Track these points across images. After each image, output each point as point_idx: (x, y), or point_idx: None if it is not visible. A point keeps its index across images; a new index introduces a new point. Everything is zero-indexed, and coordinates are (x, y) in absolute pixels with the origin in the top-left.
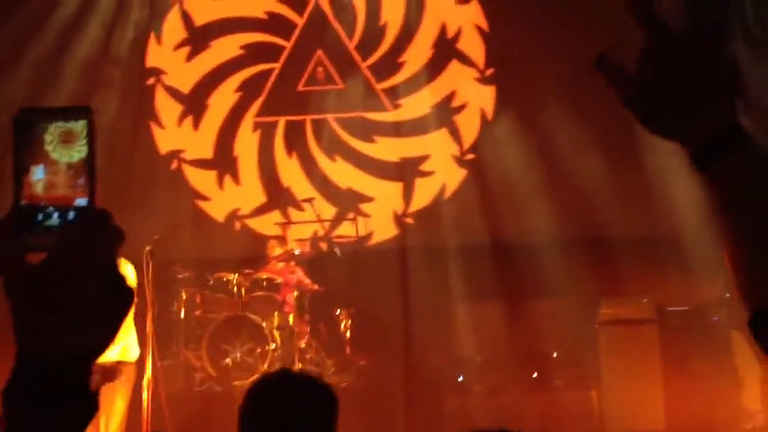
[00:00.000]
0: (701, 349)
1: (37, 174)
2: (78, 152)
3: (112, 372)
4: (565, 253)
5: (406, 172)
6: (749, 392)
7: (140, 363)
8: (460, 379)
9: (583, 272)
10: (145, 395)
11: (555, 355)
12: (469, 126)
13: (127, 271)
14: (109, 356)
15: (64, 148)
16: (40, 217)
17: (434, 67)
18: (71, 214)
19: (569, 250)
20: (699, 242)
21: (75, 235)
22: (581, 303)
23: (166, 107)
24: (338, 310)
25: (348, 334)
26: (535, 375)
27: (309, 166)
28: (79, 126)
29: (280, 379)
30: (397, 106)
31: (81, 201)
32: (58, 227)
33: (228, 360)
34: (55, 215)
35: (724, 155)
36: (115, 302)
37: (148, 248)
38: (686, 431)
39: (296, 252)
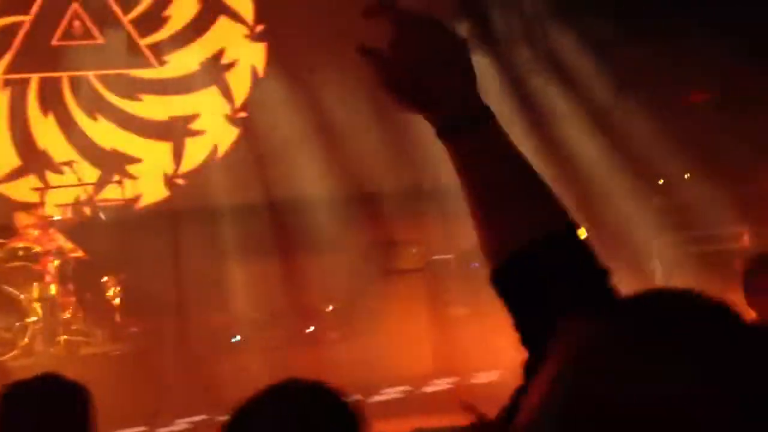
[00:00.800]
0: (463, 295)
1: None
2: None
3: None
4: (337, 208)
5: (176, 131)
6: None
7: None
8: (237, 338)
9: (356, 227)
10: None
11: (330, 308)
12: (240, 84)
13: None
14: None
15: None
16: None
17: (202, 23)
18: None
19: (341, 205)
20: (460, 193)
21: None
22: (354, 257)
23: None
24: (105, 278)
25: (117, 301)
26: (311, 329)
27: (68, 127)
28: None
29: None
30: (162, 63)
31: None
32: None
33: None
34: None
35: (468, 129)
36: None
37: None
38: (451, 372)
39: (55, 218)
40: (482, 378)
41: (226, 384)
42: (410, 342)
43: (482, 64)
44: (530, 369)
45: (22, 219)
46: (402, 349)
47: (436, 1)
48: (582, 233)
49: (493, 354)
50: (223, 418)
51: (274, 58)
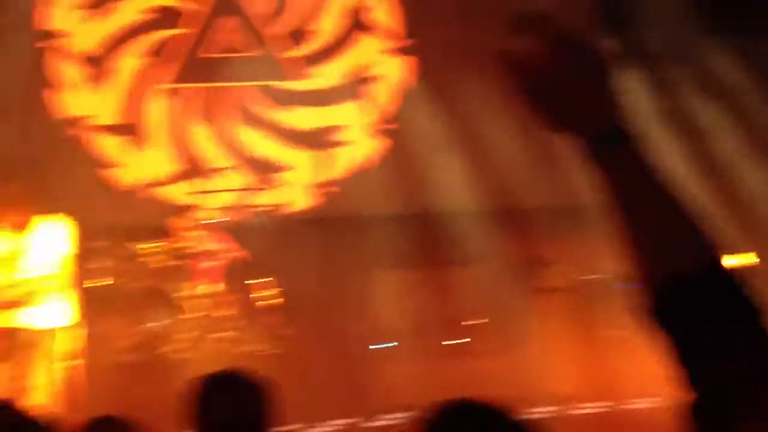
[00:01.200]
0: (612, 316)
1: None
2: None
3: (40, 342)
4: (484, 222)
5: (322, 141)
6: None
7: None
8: (383, 347)
9: (503, 241)
10: (69, 365)
11: (475, 323)
12: (385, 96)
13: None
14: (36, 325)
15: None
16: None
17: (348, 36)
18: None
19: (488, 219)
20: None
21: None
22: (501, 272)
23: (67, 71)
24: (257, 279)
25: (269, 302)
26: (456, 342)
27: (222, 135)
28: None
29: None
30: (310, 75)
31: None
32: None
33: (145, 330)
34: None
35: (613, 148)
36: None
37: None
38: (603, 395)
39: (212, 221)
40: (639, 404)
41: (374, 391)
42: (557, 362)
43: (633, 82)
44: (699, 412)
45: (180, 221)
46: (548, 368)
47: (579, 16)
48: (750, 259)
49: (649, 380)
50: (369, 423)
51: (419, 70)
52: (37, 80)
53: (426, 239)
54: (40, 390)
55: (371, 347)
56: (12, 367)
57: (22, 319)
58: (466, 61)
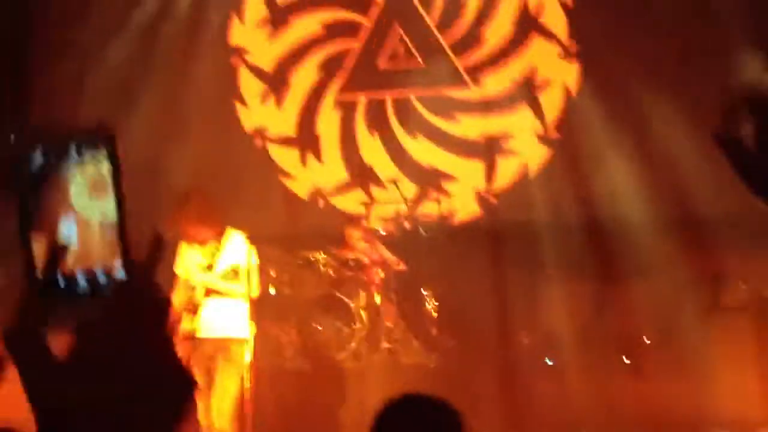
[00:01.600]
0: None
1: (67, 234)
2: (108, 205)
3: (224, 350)
4: (659, 232)
5: (489, 150)
6: None
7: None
8: (550, 362)
9: (679, 254)
10: (244, 374)
11: (648, 340)
12: (552, 103)
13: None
14: (220, 334)
15: (94, 201)
16: (64, 283)
17: (516, 43)
18: (102, 278)
19: (664, 229)
20: None
21: (113, 308)
22: (676, 286)
23: (250, 85)
24: (424, 290)
25: (435, 313)
26: (626, 360)
27: (390, 145)
28: (105, 167)
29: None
30: (478, 83)
31: (115, 264)
32: (88, 295)
33: (316, 338)
34: (83, 281)
35: None
36: (170, 394)
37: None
38: None
39: (381, 232)
40: None
41: (541, 406)
42: (736, 384)
43: None
44: None
45: (351, 231)
46: (727, 391)
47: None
48: None
49: None
50: None
51: (587, 76)
52: (228, 94)
53: (597, 250)
54: (226, 395)
55: (543, 361)
56: (198, 374)
57: (209, 326)
58: (636, 65)
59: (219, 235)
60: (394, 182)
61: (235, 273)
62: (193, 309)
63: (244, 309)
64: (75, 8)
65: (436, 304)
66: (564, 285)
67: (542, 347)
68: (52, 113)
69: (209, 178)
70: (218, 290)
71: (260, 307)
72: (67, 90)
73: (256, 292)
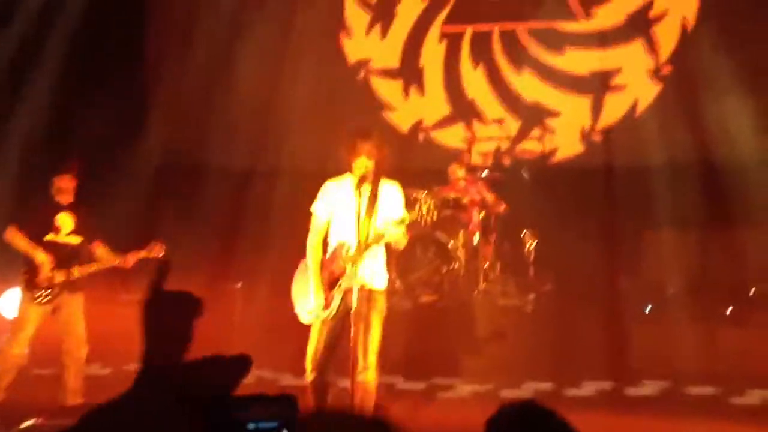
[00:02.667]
0: None
1: None
2: None
3: (370, 301)
4: None
5: (596, 86)
6: None
7: None
8: (648, 309)
9: None
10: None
11: (753, 291)
12: (667, 37)
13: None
14: (365, 283)
15: None
16: None
17: None
18: None
19: None
20: None
21: None
22: None
23: (355, 16)
24: (524, 231)
25: (532, 256)
26: (729, 311)
27: (495, 79)
28: None
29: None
30: (590, 15)
31: None
32: None
33: (416, 276)
34: None
35: None
36: None
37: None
38: None
39: (483, 174)
40: None
41: (637, 354)
42: None
43: None
44: None
45: (454, 170)
46: None
47: None
48: None
49: None
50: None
51: (705, 9)
52: (335, 27)
53: (707, 194)
54: (375, 338)
55: (644, 309)
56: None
57: (367, 275)
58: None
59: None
60: (500, 124)
61: (401, 221)
62: (353, 261)
63: (383, 260)
64: None
65: (534, 245)
66: (671, 229)
67: (644, 293)
68: (171, 40)
69: (315, 108)
70: (384, 236)
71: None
72: (180, 26)
73: (404, 243)
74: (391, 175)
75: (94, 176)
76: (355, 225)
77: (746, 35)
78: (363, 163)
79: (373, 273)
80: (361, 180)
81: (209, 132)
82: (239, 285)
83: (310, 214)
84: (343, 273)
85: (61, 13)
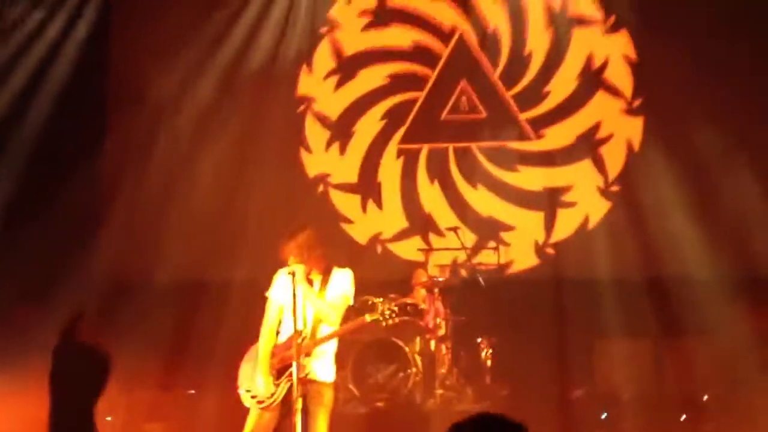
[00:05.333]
0: None
1: None
2: None
3: (317, 394)
4: (721, 289)
5: (549, 202)
6: None
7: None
8: (604, 416)
9: (742, 311)
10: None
11: (705, 398)
12: (614, 157)
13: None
14: (314, 376)
15: None
16: None
17: (580, 98)
18: None
19: (726, 286)
20: None
21: None
22: (737, 345)
23: (315, 133)
24: (479, 339)
25: (489, 363)
26: (683, 418)
27: (450, 194)
28: None
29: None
30: (540, 136)
31: None
32: None
33: (371, 381)
34: None
35: None
36: None
37: (290, 270)
38: None
39: (440, 279)
40: None
41: None
42: None
43: None
44: None
45: (419, 276)
46: None
47: None
48: None
49: None
50: None
51: (650, 131)
52: (297, 142)
53: (657, 306)
54: None
55: (598, 415)
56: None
57: (317, 367)
58: (700, 119)
59: (325, 270)
60: (455, 230)
61: (343, 305)
62: (306, 351)
63: (332, 353)
64: (149, 60)
65: (490, 353)
66: (622, 340)
67: (598, 401)
68: (129, 156)
69: (273, 220)
70: (326, 318)
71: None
72: (139, 141)
73: (335, 322)
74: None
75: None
76: (305, 314)
77: (690, 157)
78: (293, 264)
79: (323, 365)
80: (308, 271)
81: (162, 246)
82: (192, 392)
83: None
84: (291, 362)
85: (21, 124)
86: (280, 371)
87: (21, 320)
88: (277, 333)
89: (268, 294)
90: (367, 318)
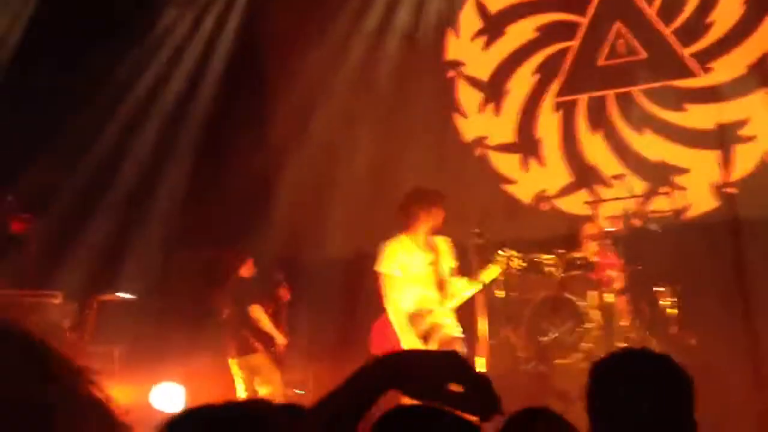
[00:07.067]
0: None
1: None
2: None
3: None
4: None
5: (724, 138)
6: None
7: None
8: None
9: None
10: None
11: None
12: None
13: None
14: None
15: None
16: None
17: (748, 24)
18: None
19: None
20: None
21: None
22: None
23: (468, 96)
24: (661, 288)
25: (675, 311)
26: None
27: (615, 142)
28: None
29: (628, 356)
30: (708, 71)
31: None
32: None
33: (547, 339)
34: None
35: None
36: None
37: (476, 231)
38: None
39: (610, 230)
40: None
41: None
42: None
43: None
44: None
45: (586, 230)
46: None
47: None
48: None
49: None
50: None
51: None
52: (448, 107)
53: None
54: None
55: None
56: None
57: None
58: None
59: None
60: (621, 179)
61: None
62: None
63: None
64: (299, 49)
65: (675, 301)
66: None
67: None
68: (288, 131)
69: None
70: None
71: (489, 310)
72: (298, 113)
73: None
74: (519, 246)
75: None
76: (430, 279)
77: None
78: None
79: (453, 323)
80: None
81: (325, 220)
82: None
83: None
84: (429, 327)
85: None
86: (423, 337)
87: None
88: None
89: (383, 269)
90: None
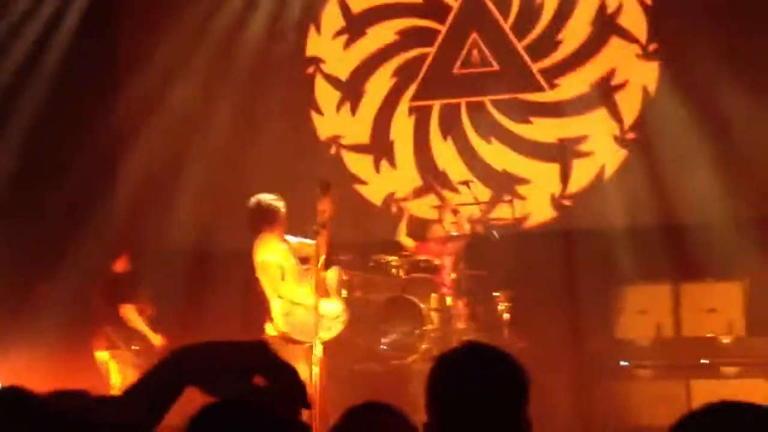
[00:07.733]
0: None
1: None
2: None
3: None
4: (738, 232)
5: (564, 153)
6: None
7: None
8: (624, 363)
9: (757, 253)
10: (315, 371)
11: (726, 340)
12: (630, 104)
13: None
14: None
15: None
16: None
17: (593, 45)
18: None
19: (743, 229)
20: None
21: None
22: (753, 285)
23: (325, 94)
24: (496, 293)
25: (506, 316)
26: (703, 361)
27: (464, 149)
28: None
29: (469, 351)
30: (554, 86)
31: None
32: None
33: (387, 340)
34: None
35: None
36: None
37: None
38: None
39: (454, 235)
40: None
41: (615, 408)
42: None
43: None
44: None
45: (436, 230)
46: None
47: None
48: None
49: None
50: None
51: (666, 76)
52: (305, 103)
53: (674, 253)
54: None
55: (615, 364)
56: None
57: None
58: (717, 63)
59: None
60: (467, 184)
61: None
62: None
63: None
64: (155, 23)
65: (508, 306)
66: (640, 288)
67: (615, 351)
68: (136, 122)
69: (286, 186)
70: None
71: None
72: (149, 95)
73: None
74: (365, 247)
75: None
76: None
77: (707, 102)
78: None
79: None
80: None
81: (173, 211)
82: None
83: None
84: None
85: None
86: None
87: (39, 296)
88: None
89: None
90: None
